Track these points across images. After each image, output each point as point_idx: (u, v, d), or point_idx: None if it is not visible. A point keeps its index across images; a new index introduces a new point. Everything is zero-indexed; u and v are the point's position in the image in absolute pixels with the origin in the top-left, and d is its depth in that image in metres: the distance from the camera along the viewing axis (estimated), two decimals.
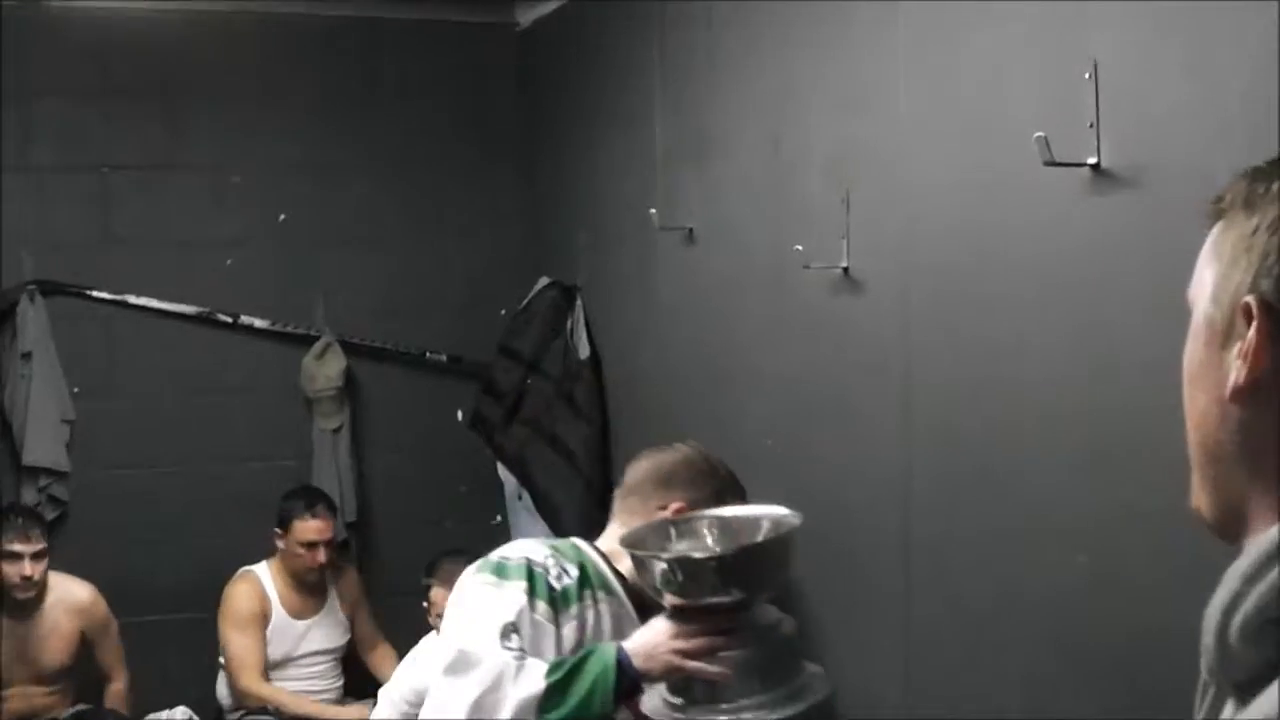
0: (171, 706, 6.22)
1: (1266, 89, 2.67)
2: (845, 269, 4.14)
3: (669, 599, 3.04)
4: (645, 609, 3.19)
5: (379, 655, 6.53)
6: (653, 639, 2.98)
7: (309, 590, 6.40)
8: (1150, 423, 3.00)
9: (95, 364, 6.85)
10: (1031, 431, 3.42)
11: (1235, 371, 1.19)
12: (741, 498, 3.18)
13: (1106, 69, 3.06)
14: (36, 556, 5.69)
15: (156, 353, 6.93)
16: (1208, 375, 1.24)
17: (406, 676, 5.20)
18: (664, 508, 3.11)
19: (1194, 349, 1.27)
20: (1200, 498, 1.30)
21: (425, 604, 5.45)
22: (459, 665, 2.93)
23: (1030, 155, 3.16)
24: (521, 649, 2.95)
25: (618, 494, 3.18)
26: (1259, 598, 1.11)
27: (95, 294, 6.82)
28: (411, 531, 7.26)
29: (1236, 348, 1.20)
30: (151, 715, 6.11)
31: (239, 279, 7.07)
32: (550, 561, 3.07)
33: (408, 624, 6.12)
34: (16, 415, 6.61)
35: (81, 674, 6.12)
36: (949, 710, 3.80)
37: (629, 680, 2.94)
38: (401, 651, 5.91)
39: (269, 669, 6.31)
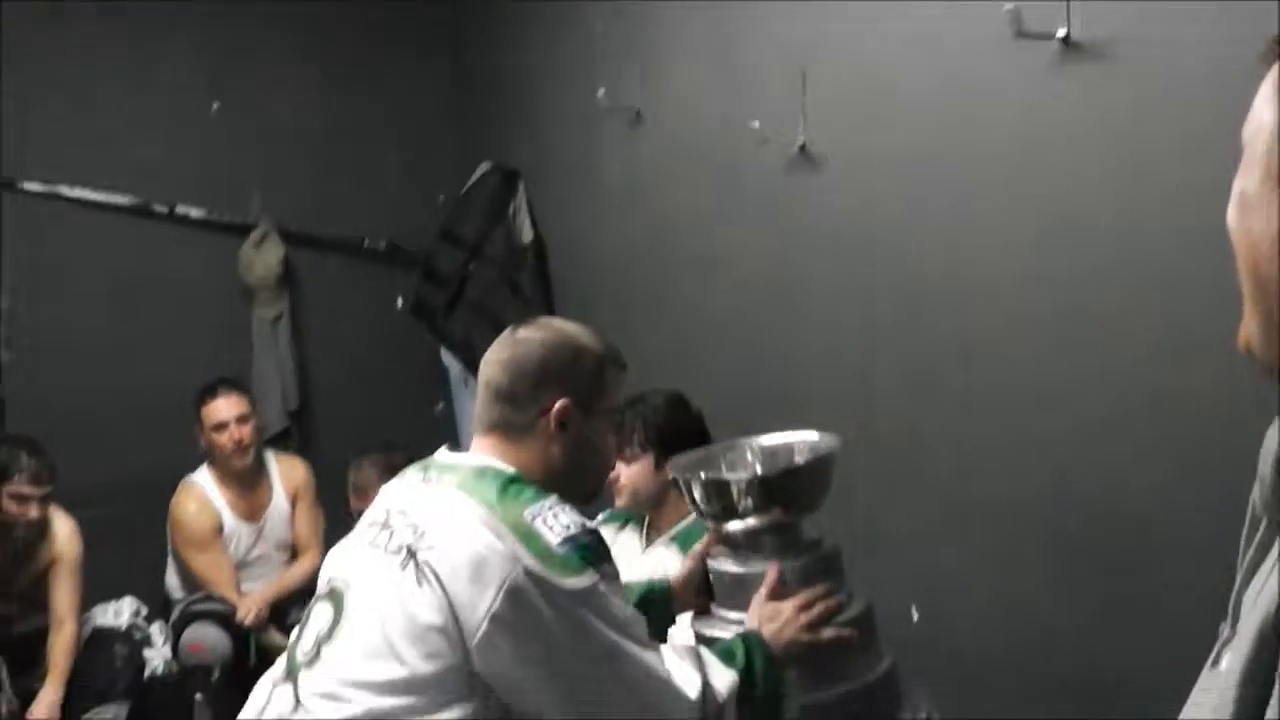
0: (118, 598, 6.18)
1: None
2: (802, 146, 4.10)
3: (720, 522, 3.00)
4: None
5: (309, 560, 6.29)
6: (779, 626, 2.83)
7: (252, 489, 6.31)
8: (1121, 291, 3.03)
9: (28, 257, 6.74)
10: (1000, 307, 3.42)
11: None
12: (622, 365, 2.91)
13: None
14: (44, 500, 5.58)
15: (91, 244, 6.82)
16: (1262, 208, 1.22)
17: None
18: (546, 411, 2.80)
19: (1248, 183, 1.25)
20: (1250, 331, 1.27)
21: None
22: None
23: (998, 30, 3.14)
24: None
25: (484, 400, 2.84)
26: None
27: (26, 186, 6.70)
28: (354, 420, 7.23)
29: None
30: (98, 607, 6.06)
31: (174, 170, 6.97)
32: (564, 515, 2.51)
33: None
34: None
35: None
36: (911, 577, 3.83)
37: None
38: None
39: None
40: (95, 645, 5.73)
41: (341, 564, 2.68)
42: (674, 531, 3.92)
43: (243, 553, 6.26)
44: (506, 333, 2.83)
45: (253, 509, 6.28)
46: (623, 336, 5.36)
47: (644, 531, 4.07)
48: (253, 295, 7.03)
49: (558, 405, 2.69)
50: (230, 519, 6.19)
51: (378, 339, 7.31)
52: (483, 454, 2.71)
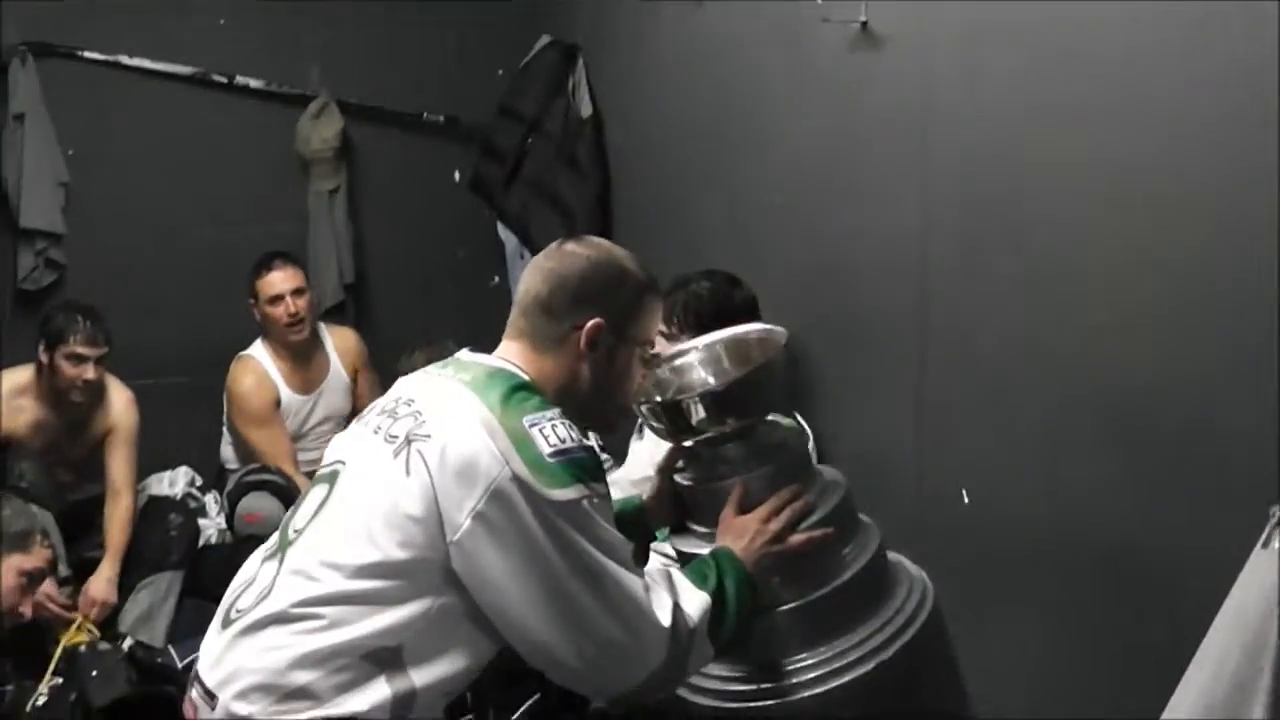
0: (173, 468, 6.22)
1: None
2: (864, 23, 4.03)
3: (683, 438, 2.96)
4: None
5: None
6: (747, 541, 2.81)
7: (308, 361, 6.35)
8: (1178, 177, 2.96)
9: (88, 126, 6.74)
10: (1055, 189, 3.35)
11: None
12: (659, 294, 2.90)
13: None
14: (99, 362, 5.59)
15: (150, 114, 6.83)
16: None
17: None
18: (580, 326, 2.78)
19: None
20: None
21: None
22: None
23: None
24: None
25: (520, 306, 2.83)
26: None
27: (87, 54, 6.68)
28: (409, 293, 7.25)
29: None
30: (153, 476, 6.11)
31: (234, 39, 6.95)
32: (562, 428, 2.53)
33: None
34: (11, 178, 6.53)
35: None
36: (961, 462, 3.81)
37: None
38: None
39: None
40: (150, 515, 5.76)
41: (344, 446, 2.74)
42: None
43: (298, 425, 6.29)
44: (554, 244, 2.84)
45: (308, 382, 6.31)
46: (681, 212, 5.40)
47: None
48: (309, 167, 7.01)
49: (591, 323, 2.70)
50: (287, 392, 6.22)
51: (435, 213, 7.32)
52: (503, 358, 2.73)
